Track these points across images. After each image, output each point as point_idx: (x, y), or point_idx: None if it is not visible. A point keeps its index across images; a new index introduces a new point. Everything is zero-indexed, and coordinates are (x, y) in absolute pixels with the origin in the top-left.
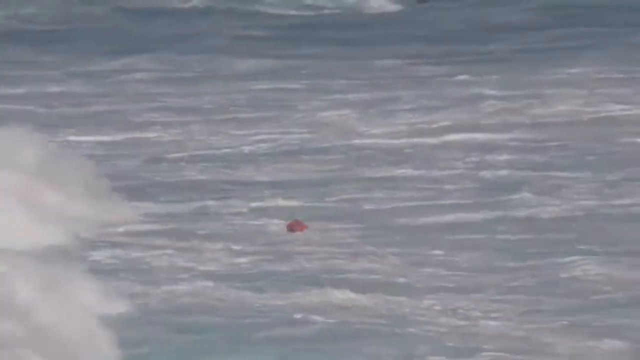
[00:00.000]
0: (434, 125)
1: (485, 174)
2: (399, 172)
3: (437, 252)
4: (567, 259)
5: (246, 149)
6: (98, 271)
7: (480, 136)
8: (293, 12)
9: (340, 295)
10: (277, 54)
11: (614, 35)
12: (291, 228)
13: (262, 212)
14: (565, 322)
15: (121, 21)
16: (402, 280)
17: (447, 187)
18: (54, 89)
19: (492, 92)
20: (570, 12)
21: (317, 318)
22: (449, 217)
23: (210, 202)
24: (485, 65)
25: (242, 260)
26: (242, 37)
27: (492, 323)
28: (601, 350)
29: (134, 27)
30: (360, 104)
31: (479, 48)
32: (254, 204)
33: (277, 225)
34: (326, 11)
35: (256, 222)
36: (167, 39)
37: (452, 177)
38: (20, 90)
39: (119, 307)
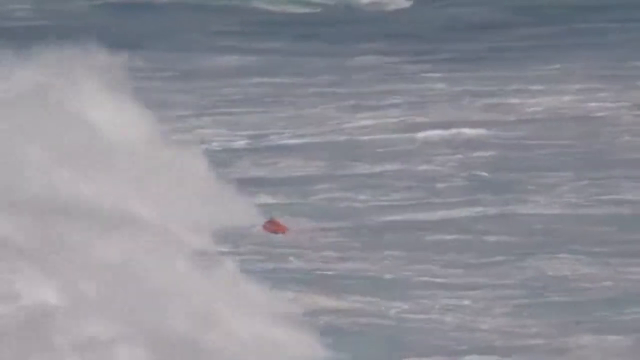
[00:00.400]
0: (418, 122)
1: (471, 172)
2: (385, 168)
3: (425, 250)
4: (556, 257)
5: (232, 145)
6: None
7: (464, 133)
8: (288, 9)
9: (328, 296)
10: (261, 50)
11: (591, 33)
12: (269, 228)
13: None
14: (556, 319)
15: (103, 17)
16: (390, 279)
17: (433, 185)
18: None
19: (475, 88)
20: (547, 11)
21: (305, 319)
22: (437, 215)
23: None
24: (469, 62)
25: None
26: (226, 33)
27: (484, 320)
28: (595, 345)
29: (119, 23)
30: (344, 101)
31: (464, 46)
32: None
33: (260, 224)
34: (320, 9)
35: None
36: (150, 35)
37: (438, 174)
38: None
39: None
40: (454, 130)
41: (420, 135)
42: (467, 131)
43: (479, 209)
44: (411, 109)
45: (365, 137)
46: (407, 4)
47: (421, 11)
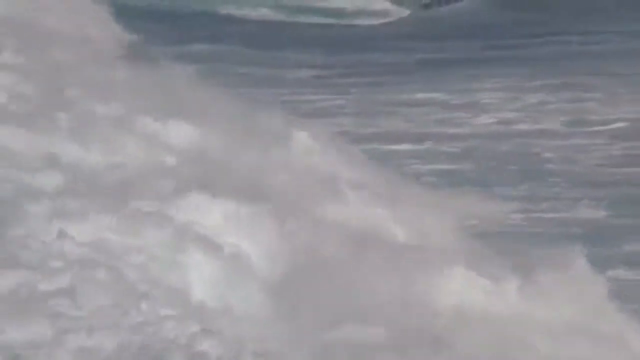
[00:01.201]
0: (364, 135)
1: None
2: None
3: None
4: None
5: None
6: None
7: (410, 146)
8: (251, 15)
9: None
10: (203, 58)
11: (545, 46)
12: None
13: None
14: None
15: None
16: None
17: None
18: None
19: (426, 97)
20: (501, 25)
21: None
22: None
23: None
24: (412, 75)
25: None
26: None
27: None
28: None
29: None
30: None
31: (403, 57)
32: None
33: None
34: (287, 15)
35: None
36: None
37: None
38: None
39: None
40: (400, 144)
41: (366, 147)
42: (414, 145)
43: None
44: (358, 120)
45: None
46: (402, 14)
47: (406, 21)
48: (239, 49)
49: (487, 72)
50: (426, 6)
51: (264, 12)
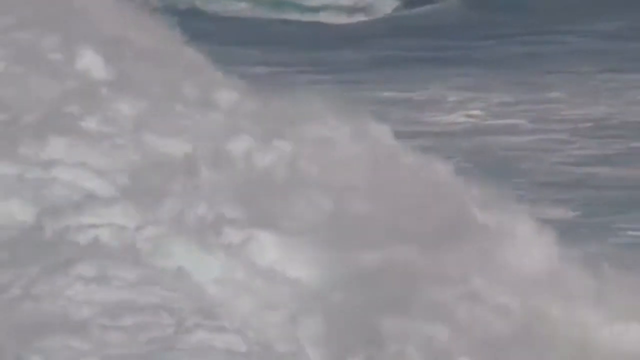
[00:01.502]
0: None
1: None
2: None
3: None
4: None
5: None
6: None
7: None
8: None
9: None
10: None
11: (488, 47)
12: None
13: None
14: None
15: None
16: None
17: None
18: None
19: (389, 95)
20: (464, 25)
21: None
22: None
23: None
24: (376, 72)
25: None
26: None
27: None
28: None
29: None
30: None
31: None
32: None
33: None
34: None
35: None
36: None
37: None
38: None
39: None
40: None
41: None
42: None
43: None
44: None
45: None
46: (381, 14)
47: (380, 21)
48: (202, 46)
49: (452, 71)
50: (405, 5)
51: (242, 7)
